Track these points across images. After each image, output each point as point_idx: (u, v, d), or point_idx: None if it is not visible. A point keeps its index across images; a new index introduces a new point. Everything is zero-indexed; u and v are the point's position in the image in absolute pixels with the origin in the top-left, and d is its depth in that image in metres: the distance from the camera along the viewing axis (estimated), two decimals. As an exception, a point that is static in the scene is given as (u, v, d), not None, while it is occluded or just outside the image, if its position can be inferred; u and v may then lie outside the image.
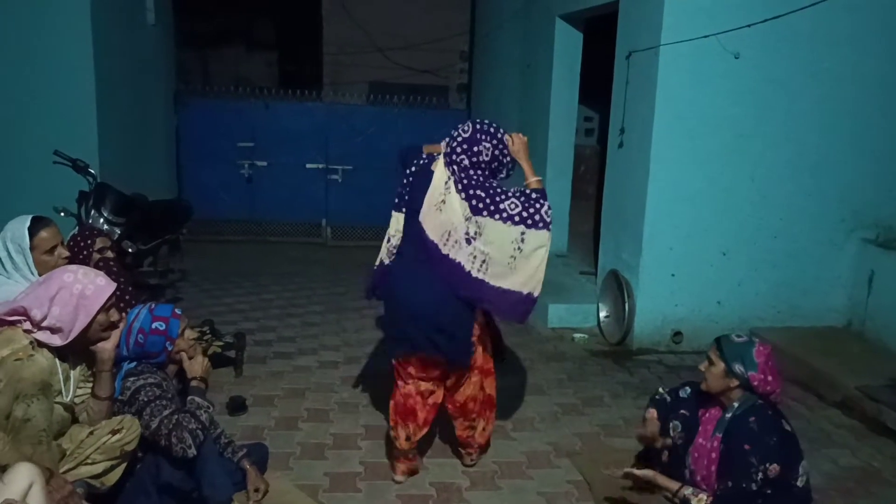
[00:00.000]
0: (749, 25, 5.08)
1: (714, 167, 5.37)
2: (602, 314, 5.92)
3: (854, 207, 5.57)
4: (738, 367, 2.91)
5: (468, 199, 3.24)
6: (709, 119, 5.29)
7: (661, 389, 3.40)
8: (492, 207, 3.21)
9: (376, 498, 3.39)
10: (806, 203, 5.51)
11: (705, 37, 5.09)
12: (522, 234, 3.22)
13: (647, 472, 3.12)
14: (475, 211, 3.22)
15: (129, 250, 5.39)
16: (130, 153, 7.26)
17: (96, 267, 3.39)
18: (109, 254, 3.82)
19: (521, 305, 3.32)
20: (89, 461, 2.68)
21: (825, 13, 5.09)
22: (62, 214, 5.15)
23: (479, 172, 3.33)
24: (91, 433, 2.68)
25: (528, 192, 3.28)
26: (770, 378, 2.91)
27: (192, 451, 2.78)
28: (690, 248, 5.45)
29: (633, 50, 5.48)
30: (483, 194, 3.24)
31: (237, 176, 9.25)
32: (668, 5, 5.10)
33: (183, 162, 9.22)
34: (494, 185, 3.32)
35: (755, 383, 2.90)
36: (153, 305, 3.09)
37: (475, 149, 3.31)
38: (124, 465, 2.78)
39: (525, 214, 3.21)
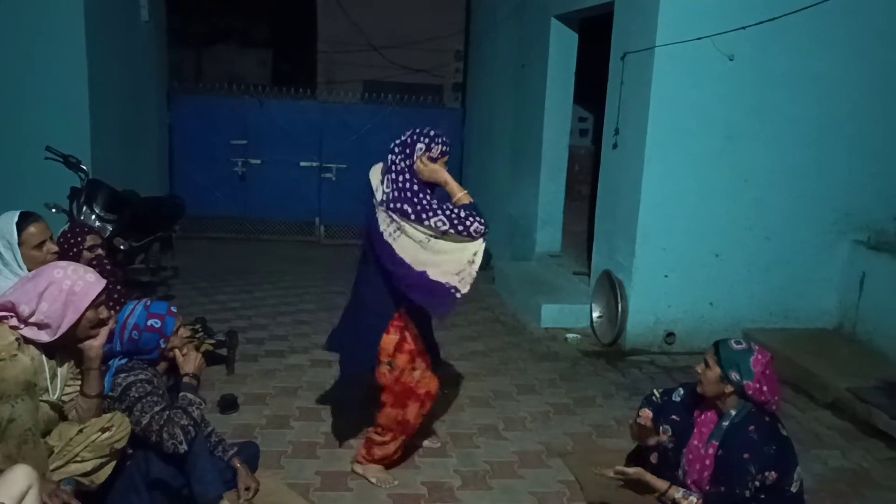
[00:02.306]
0: (743, 28, 5.08)
1: (707, 168, 5.38)
2: (595, 314, 5.93)
3: (846, 210, 5.58)
4: (733, 375, 2.88)
5: (395, 211, 3.27)
6: (703, 120, 5.30)
7: (654, 391, 3.39)
8: (416, 220, 3.23)
9: (367, 497, 3.38)
10: (798, 205, 5.52)
11: (700, 38, 5.09)
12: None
13: (637, 470, 3.12)
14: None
15: (121, 247, 5.36)
16: (123, 150, 7.23)
17: (87, 264, 3.36)
18: (100, 251, 3.80)
19: (444, 297, 3.28)
20: (78, 459, 2.66)
21: (819, 16, 5.10)
22: (53, 211, 5.13)
23: (410, 179, 3.31)
24: (80, 431, 2.66)
25: (457, 209, 3.24)
26: (766, 388, 2.87)
27: (184, 447, 2.77)
28: (683, 250, 5.45)
29: (628, 51, 5.49)
30: (409, 209, 3.24)
31: (230, 173, 9.22)
32: (663, 7, 5.10)
33: (175, 159, 9.19)
34: (425, 199, 3.27)
35: (750, 392, 2.87)
36: (148, 302, 3.08)
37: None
38: (114, 463, 2.77)
39: (453, 232, 3.22)
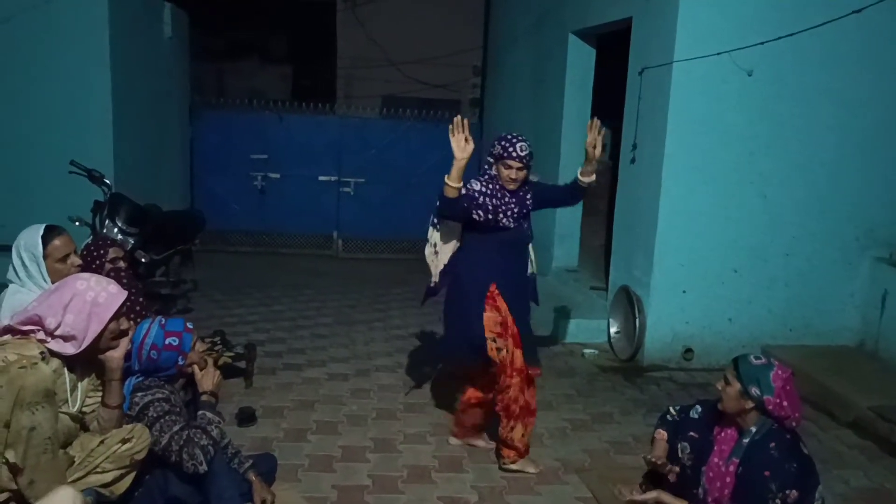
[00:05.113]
0: (762, 43, 5.08)
1: (726, 184, 5.35)
2: (612, 330, 5.90)
3: (867, 226, 5.53)
4: (753, 390, 2.86)
5: None
6: (721, 136, 5.28)
7: (671, 409, 3.36)
8: None
9: (384, 511, 3.38)
10: (818, 221, 5.48)
11: (718, 54, 5.09)
12: None
13: (650, 495, 3.11)
14: None
15: (142, 260, 5.43)
16: (145, 164, 7.33)
17: (107, 276, 3.41)
18: (121, 264, 3.85)
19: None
20: (99, 470, 2.68)
21: (839, 32, 5.08)
22: (77, 224, 5.20)
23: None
24: (101, 442, 2.69)
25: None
26: (786, 403, 2.85)
27: (204, 468, 2.78)
28: (702, 265, 5.42)
29: (646, 66, 5.49)
30: None
31: (250, 187, 9.30)
32: (681, 22, 5.11)
33: (197, 173, 9.29)
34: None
35: (770, 407, 2.85)
36: (163, 321, 3.08)
37: None
38: (134, 474, 2.79)
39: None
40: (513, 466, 3.76)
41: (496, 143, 3.66)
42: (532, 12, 7.92)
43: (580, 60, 6.92)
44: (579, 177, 3.80)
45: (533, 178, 3.81)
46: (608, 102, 6.78)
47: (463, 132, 3.42)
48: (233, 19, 12.85)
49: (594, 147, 3.71)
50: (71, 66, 6.26)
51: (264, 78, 14.84)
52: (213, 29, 12.05)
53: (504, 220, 3.66)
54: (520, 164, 3.61)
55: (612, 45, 6.53)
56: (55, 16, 6.16)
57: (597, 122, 3.71)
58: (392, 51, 11.32)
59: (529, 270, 3.99)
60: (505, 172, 3.63)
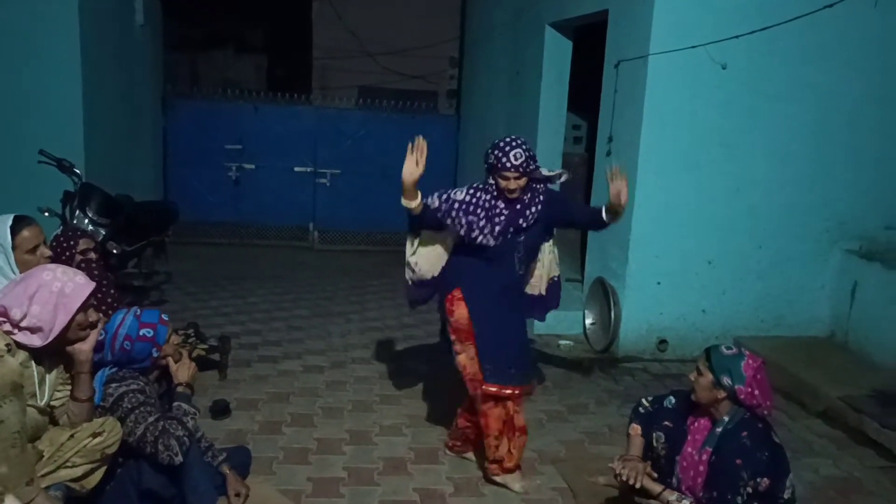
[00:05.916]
0: (737, 37, 5.12)
1: (700, 176, 5.40)
2: (588, 321, 5.93)
3: (839, 218, 5.61)
4: (725, 380, 2.90)
5: None
6: (696, 129, 5.32)
7: (644, 400, 3.37)
8: None
9: (359, 504, 3.37)
10: (791, 213, 5.55)
11: (693, 47, 5.12)
12: None
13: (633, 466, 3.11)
14: None
15: (114, 251, 5.35)
16: (117, 154, 7.21)
17: (78, 268, 3.35)
18: (92, 255, 3.78)
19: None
20: (69, 464, 2.64)
21: (813, 25, 5.14)
22: (46, 214, 5.10)
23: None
24: (71, 436, 2.64)
25: None
26: (758, 392, 2.88)
27: (179, 458, 2.75)
28: (676, 257, 5.47)
29: (622, 59, 5.51)
30: None
31: (224, 178, 9.20)
32: (656, 15, 5.13)
33: (170, 163, 9.16)
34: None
35: (742, 396, 2.89)
36: (139, 311, 3.04)
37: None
38: (104, 469, 2.75)
39: None
40: (496, 479, 3.57)
41: (490, 151, 3.35)
42: (509, 4, 7.90)
43: (557, 52, 6.92)
44: (604, 213, 3.44)
45: (565, 176, 3.63)
46: (585, 95, 6.81)
47: (419, 154, 3.24)
48: (207, 8, 12.68)
49: (619, 195, 3.31)
50: (40, 53, 6.13)
51: (239, 68, 14.69)
52: (186, 17, 11.90)
53: (481, 239, 3.38)
54: (516, 174, 3.31)
55: (588, 38, 6.54)
56: (24, 2, 6.03)
57: (616, 169, 3.35)
58: (368, 41, 11.25)
59: (552, 273, 3.80)
60: (503, 184, 3.33)
